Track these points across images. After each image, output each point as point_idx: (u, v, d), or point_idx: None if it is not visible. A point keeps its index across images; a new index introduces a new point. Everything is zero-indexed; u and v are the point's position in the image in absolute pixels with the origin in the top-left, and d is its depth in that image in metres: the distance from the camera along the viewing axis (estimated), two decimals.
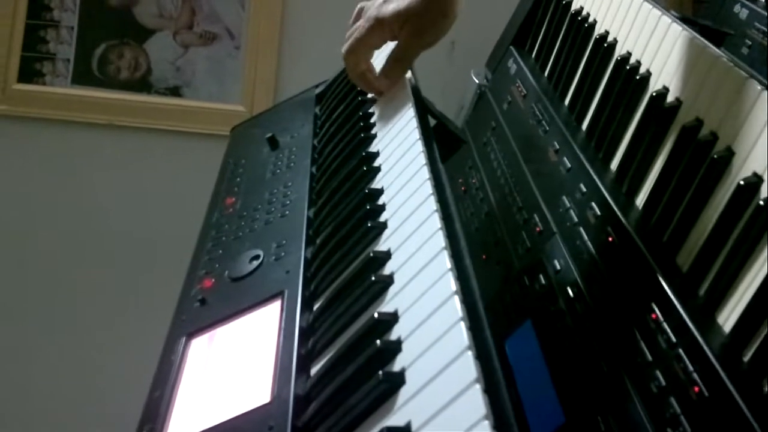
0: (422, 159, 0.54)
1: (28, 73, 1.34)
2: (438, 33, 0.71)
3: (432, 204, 0.47)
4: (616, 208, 0.58)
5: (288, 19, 1.34)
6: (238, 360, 0.51)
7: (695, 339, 0.44)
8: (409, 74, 0.76)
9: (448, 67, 1.27)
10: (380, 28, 0.70)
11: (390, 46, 0.75)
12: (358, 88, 0.77)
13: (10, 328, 1.40)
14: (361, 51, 0.71)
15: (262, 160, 0.80)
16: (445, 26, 0.71)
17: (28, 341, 1.40)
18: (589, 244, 0.59)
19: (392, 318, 0.41)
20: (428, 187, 0.50)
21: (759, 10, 0.91)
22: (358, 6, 0.80)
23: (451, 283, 0.39)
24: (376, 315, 0.42)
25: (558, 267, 0.61)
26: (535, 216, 0.69)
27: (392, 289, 0.44)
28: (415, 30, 0.70)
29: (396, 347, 0.39)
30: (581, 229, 0.61)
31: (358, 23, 0.74)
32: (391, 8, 0.70)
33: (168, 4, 1.34)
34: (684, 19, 0.65)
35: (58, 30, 1.34)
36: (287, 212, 0.66)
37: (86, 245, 1.39)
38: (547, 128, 0.76)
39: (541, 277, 0.63)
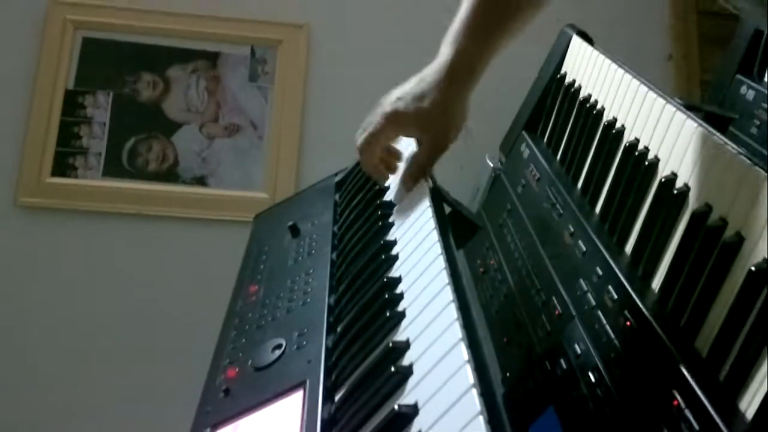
0: (438, 248, 0.56)
1: (62, 166, 1.40)
2: (455, 135, 0.76)
3: (448, 294, 0.49)
4: (632, 292, 0.58)
5: (308, 110, 1.39)
6: None
7: (718, 427, 0.44)
8: None
9: (464, 150, 1.30)
10: (395, 124, 0.73)
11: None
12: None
13: (40, 419, 1.40)
14: (376, 145, 0.74)
15: (284, 248, 0.82)
16: (456, 132, 0.76)
17: (51, 426, 1.40)
18: (607, 328, 0.59)
19: (412, 410, 0.42)
20: (444, 277, 0.51)
21: (765, 90, 0.93)
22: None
23: (469, 376, 0.39)
24: (396, 407, 0.42)
25: (578, 351, 0.61)
26: (554, 299, 0.69)
27: (412, 380, 0.45)
28: (437, 135, 0.74)
29: None
30: (599, 312, 0.61)
31: (371, 119, 0.77)
32: (409, 106, 0.72)
33: (195, 99, 1.41)
34: (688, 107, 0.67)
35: (90, 126, 1.41)
36: (308, 300, 0.67)
37: (117, 333, 1.41)
38: (562, 212, 0.77)
39: (563, 361, 0.63)
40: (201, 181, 1.41)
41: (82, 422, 1.39)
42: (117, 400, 1.39)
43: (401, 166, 0.77)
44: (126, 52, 1.43)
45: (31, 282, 1.41)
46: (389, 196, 0.75)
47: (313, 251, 0.77)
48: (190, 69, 1.43)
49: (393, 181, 0.78)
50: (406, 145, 0.79)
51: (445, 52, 0.74)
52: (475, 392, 0.38)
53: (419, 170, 0.74)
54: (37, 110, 1.38)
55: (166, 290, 1.40)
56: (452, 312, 0.46)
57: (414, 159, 0.75)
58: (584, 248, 0.69)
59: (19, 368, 1.40)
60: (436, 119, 0.72)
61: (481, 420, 0.36)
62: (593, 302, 0.63)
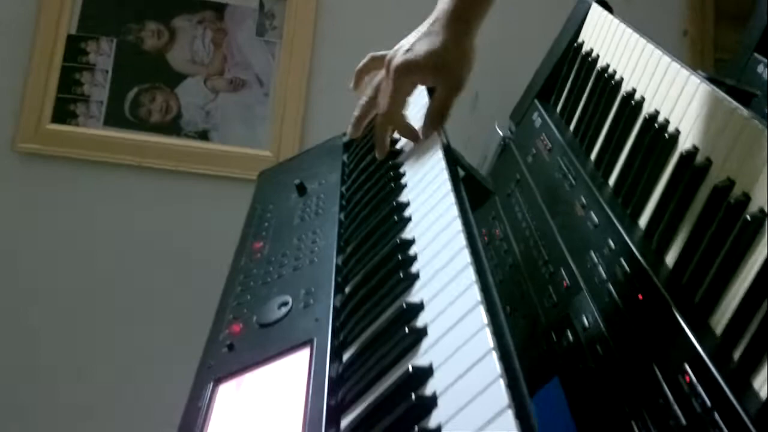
0: (454, 210, 0.55)
1: (62, 114, 1.37)
2: (468, 73, 0.73)
3: (466, 256, 0.48)
4: (646, 266, 0.58)
5: (316, 67, 1.37)
6: (266, 409, 0.50)
7: (731, 403, 0.43)
8: None
9: (471, 118, 1.28)
10: (411, 75, 0.71)
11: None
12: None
13: (34, 371, 1.39)
14: (400, 102, 0.72)
15: (290, 206, 0.80)
16: (471, 65, 0.73)
17: (50, 378, 1.40)
18: (618, 300, 0.59)
19: (427, 371, 0.41)
20: (461, 239, 0.50)
21: None
22: (368, 56, 0.81)
23: (489, 339, 0.39)
24: (410, 368, 0.41)
25: (586, 323, 0.61)
26: (562, 270, 0.69)
27: (425, 342, 0.44)
28: (453, 76, 0.72)
29: (431, 402, 0.38)
30: (610, 285, 0.61)
31: (379, 80, 0.75)
32: (421, 52, 0.71)
33: (200, 51, 1.38)
34: (711, 80, 0.66)
35: (93, 73, 1.38)
36: (315, 259, 0.66)
37: (112, 285, 1.40)
38: (574, 183, 0.76)
39: (569, 333, 0.63)
40: (204, 135, 1.38)
41: (81, 374, 1.39)
42: (116, 353, 1.39)
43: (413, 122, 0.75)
44: None
45: (27, 228, 1.40)
46: (401, 158, 0.74)
47: (320, 211, 0.76)
48: (197, 20, 1.39)
49: (404, 144, 0.77)
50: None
51: None
52: (494, 355, 0.37)
53: (438, 114, 0.73)
54: (38, 55, 1.35)
55: (166, 244, 1.39)
56: (470, 274, 0.45)
57: (431, 106, 0.73)
58: (596, 220, 0.68)
59: (15, 317, 1.40)
60: (449, 59, 0.71)
61: (501, 383, 0.35)
62: (604, 275, 0.62)
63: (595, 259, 0.65)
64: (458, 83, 0.72)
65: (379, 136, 0.74)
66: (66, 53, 1.37)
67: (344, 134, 0.94)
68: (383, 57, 0.77)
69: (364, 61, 0.82)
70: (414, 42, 0.72)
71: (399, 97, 0.72)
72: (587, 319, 0.61)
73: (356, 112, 0.80)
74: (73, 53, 1.38)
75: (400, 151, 0.76)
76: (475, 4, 0.72)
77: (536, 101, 0.97)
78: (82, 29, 1.38)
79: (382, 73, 0.76)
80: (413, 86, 0.73)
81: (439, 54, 0.71)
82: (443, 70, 0.71)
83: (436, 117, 0.73)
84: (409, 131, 0.74)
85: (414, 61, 0.71)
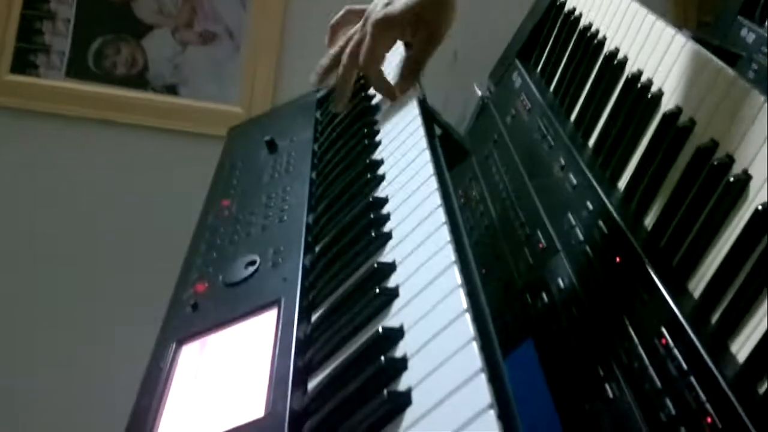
0: (430, 169, 0.52)
1: (22, 64, 1.31)
2: (447, 27, 0.71)
3: (441, 216, 0.46)
4: (624, 228, 0.57)
5: (289, 20, 1.32)
6: (230, 370, 0.48)
7: (708, 367, 0.43)
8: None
9: (450, 77, 1.26)
10: (391, 29, 0.69)
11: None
12: (363, 94, 0.75)
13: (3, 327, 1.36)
14: (380, 57, 0.70)
15: (260, 163, 0.78)
16: (452, 19, 0.71)
17: (11, 340, 1.37)
18: (595, 262, 0.58)
19: (398, 333, 0.39)
20: (436, 198, 0.48)
21: (766, 34, 0.91)
22: (344, 9, 0.78)
23: (462, 300, 0.37)
24: (380, 329, 0.40)
25: (562, 285, 0.60)
26: (539, 232, 0.68)
27: (397, 303, 0.43)
28: (431, 29, 0.70)
29: (402, 365, 0.37)
30: (587, 247, 0.60)
31: (357, 31, 0.72)
32: (399, 6, 0.69)
33: (168, 1, 1.32)
34: (696, 39, 0.64)
35: (54, 22, 1.32)
36: (285, 217, 0.64)
37: (75, 243, 1.36)
38: (553, 143, 0.75)
39: (544, 295, 0.61)
40: (172, 89, 1.34)
41: (46, 334, 1.36)
42: (79, 312, 1.36)
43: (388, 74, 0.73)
44: None
45: None
46: (376, 115, 0.71)
47: (291, 168, 0.73)
48: None
49: (379, 100, 0.74)
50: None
51: None
52: (468, 317, 0.35)
53: (414, 67, 0.71)
54: None
55: (131, 201, 1.35)
56: (444, 234, 0.43)
57: (407, 58, 0.72)
58: (575, 182, 0.67)
59: None
60: (429, 11, 0.69)
61: (474, 346, 0.33)
62: (581, 237, 0.61)
63: (573, 221, 0.63)
64: (437, 36, 0.70)
65: (342, 85, 0.72)
66: (25, 1, 1.30)
67: (318, 90, 0.91)
68: (361, 11, 0.74)
69: (340, 14, 0.79)
70: None
71: (378, 52, 0.70)
72: (563, 281, 0.60)
73: (323, 61, 0.77)
74: (33, 1, 1.31)
75: (376, 108, 0.73)
76: None
77: (517, 60, 0.95)
78: None
79: (358, 26, 0.73)
80: (393, 41, 0.71)
81: (419, 6, 0.68)
82: (422, 23, 0.69)
83: (412, 69, 0.71)
84: (386, 87, 0.72)
85: (393, 15, 0.69)
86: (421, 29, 0.70)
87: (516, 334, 0.62)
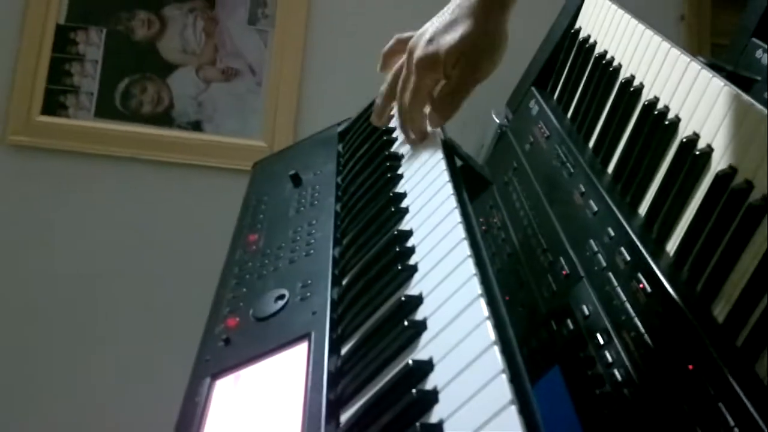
0: (453, 201, 0.54)
1: (52, 105, 1.35)
2: (491, 67, 0.67)
3: (465, 249, 0.47)
4: (646, 255, 0.57)
5: (309, 56, 1.35)
6: (264, 403, 0.50)
7: (736, 393, 0.43)
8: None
9: (467, 105, 1.27)
10: (435, 68, 0.66)
11: None
12: (384, 128, 0.77)
13: (27, 362, 1.38)
14: (422, 98, 0.68)
15: (285, 197, 0.79)
16: (497, 59, 0.67)
17: (45, 378, 1.39)
18: (618, 290, 0.58)
19: (428, 366, 0.40)
20: (460, 231, 0.49)
21: None
22: (394, 38, 0.75)
23: (490, 332, 0.38)
24: (410, 362, 0.41)
25: (587, 312, 0.60)
26: (561, 259, 0.68)
27: (425, 336, 0.44)
28: (471, 65, 0.66)
29: (433, 397, 0.38)
30: (610, 274, 0.60)
31: (399, 67, 0.70)
32: (445, 43, 0.65)
33: (191, 40, 1.36)
34: (711, 65, 0.65)
35: (82, 64, 1.36)
36: (312, 251, 0.65)
37: (106, 278, 1.39)
38: (572, 170, 0.76)
39: (569, 322, 0.62)
40: (197, 126, 1.37)
41: (77, 369, 1.38)
42: (113, 348, 1.37)
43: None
44: None
45: (19, 222, 1.38)
46: (398, 148, 0.73)
47: (315, 202, 0.75)
48: (188, 8, 1.38)
49: (400, 134, 0.76)
50: None
51: None
52: (496, 349, 0.36)
53: (449, 101, 0.67)
54: (27, 45, 1.33)
55: (160, 237, 1.38)
56: (470, 267, 0.44)
57: (443, 91, 0.68)
58: (596, 208, 0.67)
59: (8, 311, 1.38)
60: (474, 42, 0.65)
61: (504, 378, 0.34)
62: (604, 263, 0.62)
63: (595, 248, 0.64)
64: (478, 75, 0.67)
65: (410, 122, 0.69)
66: (55, 44, 1.35)
67: (339, 123, 0.93)
68: (408, 39, 0.71)
69: (391, 43, 0.76)
70: (436, 31, 0.67)
71: (419, 94, 0.67)
72: (587, 308, 0.60)
73: (378, 101, 0.74)
74: (63, 44, 1.36)
75: (396, 140, 0.75)
76: None
77: (533, 88, 0.96)
78: (71, 19, 1.36)
79: (404, 60, 0.70)
80: (435, 82, 0.68)
81: (464, 46, 0.65)
82: (466, 52, 0.66)
83: (447, 103, 0.68)
84: (421, 131, 0.69)
85: (434, 56, 0.66)
86: (463, 64, 0.66)
87: (542, 361, 0.62)
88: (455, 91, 0.67)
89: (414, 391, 0.38)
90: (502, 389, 0.34)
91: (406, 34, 0.73)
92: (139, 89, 1.37)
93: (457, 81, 0.67)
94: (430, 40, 0.66)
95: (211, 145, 1.36)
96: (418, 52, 0.67)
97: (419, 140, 0.69)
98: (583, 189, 0.71)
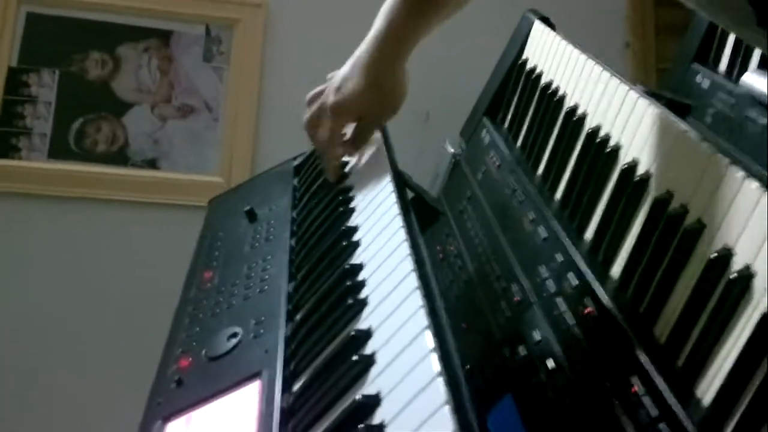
0: (402, 234, 0.55)
1: (5, 148, 1.34)
2: (389, 112, 0.77)
3: (413, 281, 0.48)
4: (593, 279, 0.59)
5: (265, 91, 1.36)
6: None
7: (675, 414, 0.44)
8: (384, 146, 0.78)
9: (422, 135, 1.29)
10: (344, 113, 0.75)
11: None
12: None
13: None
14: (337, 138, 0.76)
15: (241, 233, 0.79)
16: (395, 104, 0.77)
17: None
18: (567, 314, 0.59)
19: (375, 400, 0.40)
20: (409, 263, 0.50)
21: (720, 80, 0.95)
22: (308, 97, 0.82)
23: (435, 364, 0.38)
24: (358, 397, 0.41)
25: (537, 338, 0.61)
26: (513, 285, 0.69)
27: (374, 369, 0.44)
28: (370, 112, 0.76)
29: None
30: (559, 299, 0.61)
31: (317, 107, 0.78)
32: (347, 92, 0.74)
33: (146, 79, 1.36)
34: (651, 93, 0.67)
35: (35, 105, 1.35)
36: (266, 287, 0.65)
37: (61, 318, 1.36)
38: (522, 198, 0.77)
39: (521, 348, 0.63)
40: (153, 163, 1.36)
41: (29, 410, 1.34)
42: (65, 385, 1.34)
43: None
44: (73, 28, 1.37)
45: None
46: (350, 181, 0.74)
47: (271, 237, 0.75)
48: (142, 48, 1.38)
49: (353, 168, 0.77)
50: None
51: (378, 24, 0.75)
52: (440, 381, 0.37)
53: (355, 142, 0.77)
54: None
55: (116, 277, 1.36)
56: (417, 299, 0.45)
57: (353, 132, 0.78)
58: (544, 234, 0.69)
59: None
60: (369, 95, 0.74)
61: (446, 410, 0.35)
62: (553, 289, 0.63)
63: (544, 274, 0.65)
64: (380, 119, 0.77)
65: (327, 166, 0.78)
66: (6, 86, 1.34)
67: (295, 158, 0.94)
68: (321, 91, 0.79)
69: (310, 112, 0.82)
70: (342, 78, 0.75)
71: (335, 135, 0.76)
72: (538, 334, 0.61)
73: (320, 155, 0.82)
74: (14, 86, 1.35)
75: (349, 174, 0.76)
76: (405, 35, 0.75)
77: (485, 118, 0.98)
78: (23, 61, 1.35)
79: (319, 103, 0.79)
80: (345, 123, 0.77)
81: (360, 98, 0.74)
82: (368, 108, 0.75)
83: (352, 143, 0.77)
84: (334, 169, 0.77)
85: (342, 103, 0.75)
86: (368, 113, 0.76)
87: (497, 388, 0.63)
88: (363, 130, 0.77)
89: (361, 426, 0.39)
90: (446, 421, 0.35)
91: (317, 89, 0.81)
92: (94, 129, 1.36)
93: (362, 128, 0.77)
94: (338, 89, 0.75)
95: (167, 182, 1.35)
96: (330, 99, 0.76)
97: (334, 176, 0.77)
98: (532, 216, 0.73)
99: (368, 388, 0.42)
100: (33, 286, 1.36)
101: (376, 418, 0.39)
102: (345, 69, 0.76)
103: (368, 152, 0.78)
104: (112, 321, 1.35)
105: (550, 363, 0.57)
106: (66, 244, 1.37)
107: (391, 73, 0.75)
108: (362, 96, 0.74)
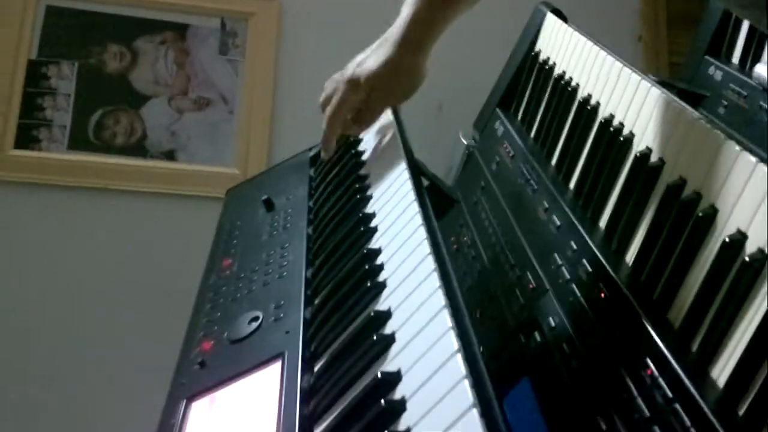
0: (419, 219, 0.56)
1: (25, 139, 1.36)
2: (402, 96, 0.77)
3: (430, 263, 0.49)
4: (607, 266, 0.59)
5: (280, 83, 1.37)
6: (239, 423, 0.51)
7: (691, 394, 0.45)
8: (399, 136, 0.79)
9: (436, 128, 1.30)
10: (355, 89, 0.76)
11: None
12: (353, 151, 0.79)
13: (5, 389, 1.37)
14: (342, 112, 0.77)
15: (258, 222, 0.81)
16: (408, 90, 0.77)
17: (23, 403, 1.37)
18: (582, 300, 0.60)
19: (395, 377, 0.42)
20: (426, 247, 0.51)
21: (733, 72, 0.95)
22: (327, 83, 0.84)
23: (453, 342, 0.40)
24: (379, 374, 0.42)
25: (553, 324, 0.62)
26: (528, 273, 0.70)
27: (394, 348, 0.45)
28: (383, 92, 0.76)
29: (400, 407, 0.39)
30: (573, 286, 0.62)
31: (335, 85, 0.79)
32: (366, 69, 0.75)
33: (163, 71, 1.38)
34: (662, 83, 0.68)
35: (55, 97, 1.37)
36: (285, 273, 0.67)
37: (82, 308, 1.38)
38: (536, 188, 0.78)
39: (537, 334, 0.64)
40: (170, 155, 1.38)
41: (52, 397, 1.36)
42: (88, 375, 1.36)
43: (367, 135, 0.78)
44: (91, 21, 1.39)
45: None
46: (366, 169, 0.75)
47: (288, 225, 0.77)
48: (159, 41, 1.40)
49: (370, 155, 0.78)
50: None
51: (404, 12, 0.76)
52: (459, 357, 0.38)
53: (364, 115, 0.78)
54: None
55: (134, 267, 1.38)
56: (434, 280, 0.46)
57: (361, 105, 0.78)
58: (558, 223, 0.70)
59: None
60: (387, 74, 0.75)
61: (466, 384, 0.36)
62: (567, 276, 0.64)
63: (559, 261, 0.66)
64: (390, 101, 0.78)
65: (324, 135, 0.79)
66: (27, 78, 1.36)
67: (311, 148, 0.95)
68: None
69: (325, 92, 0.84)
70: (364, 57, 0.77)
71: (340, 108, 0.77)
72: (553, 320, 0.62)
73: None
74: (35, 78, 1.36)
75: (365, 162, 0.77)
76: (430, 24, 0.75)
77: (498, 110, 0.99)
78: (42, 54, 1.37)
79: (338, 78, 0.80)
80: (357, 100, 0.77)
81: (377, 76, 0.75)
82: (380, 85, 0.75)
83: (361, 117, 0.78)
84: (329, 143, 0.79)
85: (357, 79, 0.76)
86: (377, 90, 0.76)
87: (513, 373, 0.64)
88: (368, 110, 0.78)
89: (383, 401, 0.40)
90: (465, 395, 0.36)
91: (337, 74, 0.82)
92: (113, 121, 1.38)
93: (371, 103, 0.77)
94: (358, 65, 0.76)
95: (185, 173, 1.37)
96: (347, 73, 0.77)
97: (328, 151, 0.79)
98: (546, 205, 0.74)
99: (388, 365, 0.44)
100: (52, 277, 1.38)
101: (397, 394, 0.41)
102: (370, 49, 0.77)
103: (384, 140, 0.79)
104: (131, 311, 1.37)
105: (566, 347, 0.58)
106: (85, 235, 1.39)
107: (412, 56, 0.75)
108: (378, 71, 0.74)
